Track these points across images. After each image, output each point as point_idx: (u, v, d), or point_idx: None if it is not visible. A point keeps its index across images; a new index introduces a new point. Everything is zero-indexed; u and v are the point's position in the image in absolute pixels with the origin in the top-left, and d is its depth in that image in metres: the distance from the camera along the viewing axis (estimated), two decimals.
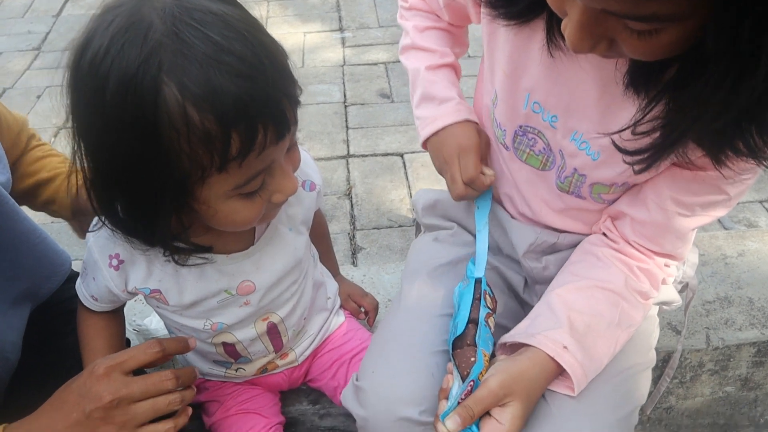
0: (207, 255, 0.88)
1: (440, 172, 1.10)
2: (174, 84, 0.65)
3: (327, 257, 1.29)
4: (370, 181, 2.12)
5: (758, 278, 1.60)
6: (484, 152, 1.08)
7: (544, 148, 0.99)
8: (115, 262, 0.88)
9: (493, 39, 0.97)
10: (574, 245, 1.08)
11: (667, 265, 1.02)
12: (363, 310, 1.31)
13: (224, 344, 1.04)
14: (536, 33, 0.89)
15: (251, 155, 0.70)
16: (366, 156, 2.24)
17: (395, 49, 2.97)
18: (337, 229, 1.93)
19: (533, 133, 0.98)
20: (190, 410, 0.89)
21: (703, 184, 0.88)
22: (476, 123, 1.09)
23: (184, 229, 0.79)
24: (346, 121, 2.45)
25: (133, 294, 0.94)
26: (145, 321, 1.24)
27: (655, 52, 0.65)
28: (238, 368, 1.12)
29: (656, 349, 1.42)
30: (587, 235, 1.08)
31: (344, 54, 2.98)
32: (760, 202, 1.89)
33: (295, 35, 3.10)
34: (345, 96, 2.63)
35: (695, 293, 1.21)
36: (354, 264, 1.83)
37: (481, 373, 0.90)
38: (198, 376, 0.99)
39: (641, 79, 0.78)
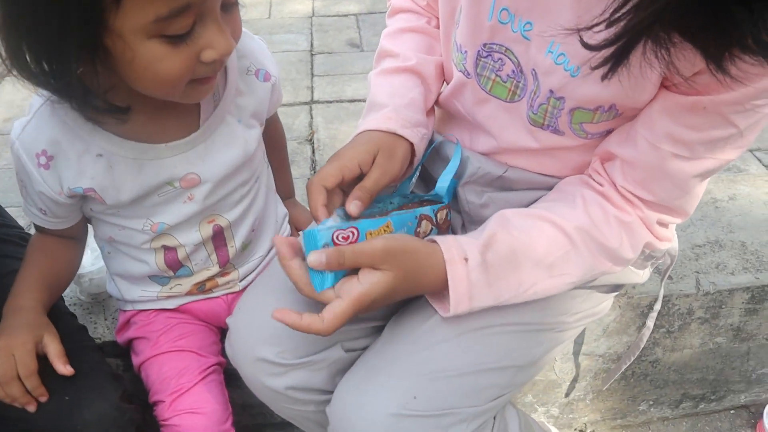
0: (143, 145, 0.83)
1: None
2: None
3: (281, 175, 1.19)
4: (335, 127, 1.96)
5: (750, 222, 1.47)
6: (376, 182, 0.84)
7: (513, 71, 0.83)
8: (43, 159, 0.82)
9: None
10: (527, 185, 0.93)
11: (661, 224, 0.86)
12: None
13: (165, 249, 0.95)
14: None
15: None
16: (331, 102, 2.08)
17: (367, 1, 2.81)
18: (297, 174, 1.78)
19: (500, 53, 0.83)
20: None
21: (705, 114, 0.72)
22: (406, 142, 0.90)
23: (96, 76, 0.70)
24: (312, 68, 2.29)
25: (73, 197, 0.86)
26: None
27: None
28: (174, 284, 1.01)
29: (641, 293, 1.29)
30: (549, 176, 0.92)
31: (313, 6, 2.82)
32: (751, 150, 1.77)
33: None
34: (312, 45, 2.47)
35: (674, 261, 1.05)
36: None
37: (370, 233, 0.79)
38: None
39: None
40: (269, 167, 1.09)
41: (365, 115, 0.95)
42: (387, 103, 0.93)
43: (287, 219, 1.18)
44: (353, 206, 0.79)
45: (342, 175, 0.82)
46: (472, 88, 0.90)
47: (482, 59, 0.85)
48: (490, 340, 0.86)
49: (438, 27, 1.02)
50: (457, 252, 0.79)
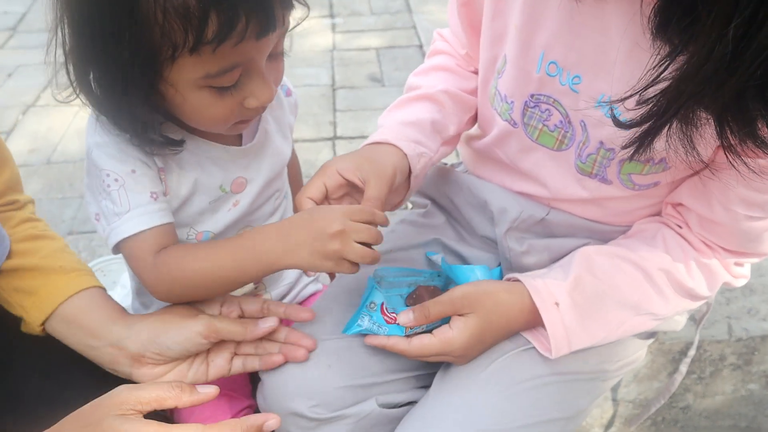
0: (207, 142, 0.85)
1: None
2: None
3: None
4: None
5: None
6: (377, 188, 0.82)
7: (561, 121, 0.83)
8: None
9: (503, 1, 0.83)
10: (569, 230, 0.93)
11: (737, 264, 0.87)
12: None
13: None
14: None
15: (227, 43, 0.67)
16: (354, 138, 2.10)
17: (387, 35, 2.85)
18: None
19: (547, 103, 0.83)
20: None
21: None
22: (401, 152, 0.88)
23: (154, 113, 0.77)
24: (334, 103, 2.31)
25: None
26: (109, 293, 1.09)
27: None
28: None
29: (672, 338, 1.28)
30: (592, 221, 0.92)
31: (334, 39, 2.85)
32: None
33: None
34: (333, 79, 2.49)
35: (710, 309, 1.06)
36: None
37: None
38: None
39: (673, 19, 0.60)
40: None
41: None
42: (386, 124, 0.94)
43: None
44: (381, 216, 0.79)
45: (324, 184, 0.82)
46: (518, 137, 0.90)
47: (529, 109, 0.86)
48: (539, 392, 0.86)
49: (472, 72, 1.04)
50: (547, 296, 0.83)
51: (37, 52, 3.19)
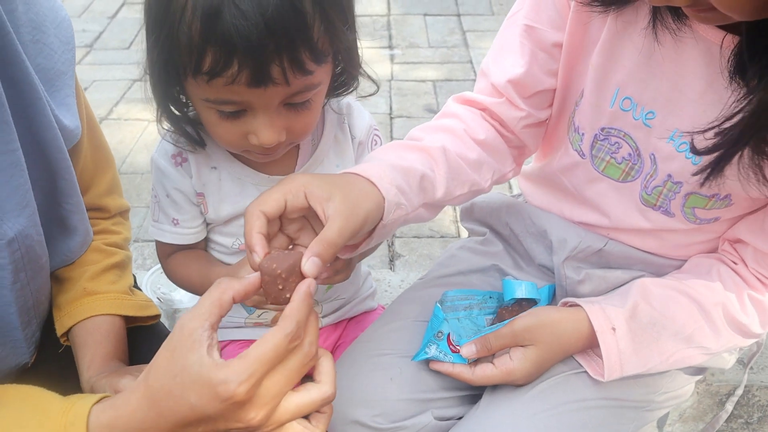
0: (250, 170, 0.93)
1: None
2: None
3: None
4: None
5: None
6: (340, 233, 0.68)
7: (630, 154, 0.88)
8: (179, 159, 0.93)
9: (584, 33, 0.87)
10: (625, 261, 0.97)
11: None
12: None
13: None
14: (638, 16, 0.80)
15: (219, 80, 0.73)
16: None
17: (444, 68, 2.93)
18: None
19: (617, 137, 0.88)
20: None
21: None
22: (380, 196, 0.75)
23: (183, 108, 0.87)
24: (391, 131, 2.39)
25: (198, 198, 0.96)
26: (172, 293, 1.17)
27: (744, 6, 0.55)
28: (261, 311, 1.07)
29: (720, 381, 1.29)
30: (649, 253, 0.96)
31: (392, 70, 2.94)
32: None
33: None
34: (391, 108, 2.58)
35: (760, 349, 1.08)
36: (392, 269, 1.74)
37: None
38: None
39: (749, 62, 0.66)
40: None
41: None
42: (375, 160, 0.83)
43: (371, 277, 1.23)
44: (310, 264, 0.65)
45: (284, 200, 0.69)
46: (585, 168, 0.94)
47: (599, 142, 0.90)
48: (585, 414, 0.89)
49: (480, 140, 0.96)
50: (604, 321, 0.87)
51: (111, 68, 3.38)
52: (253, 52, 0.71)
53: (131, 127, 2.57)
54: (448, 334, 0.92)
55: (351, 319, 1.17)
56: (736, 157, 0.71)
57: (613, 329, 0.86)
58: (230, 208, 0.95)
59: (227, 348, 1.13)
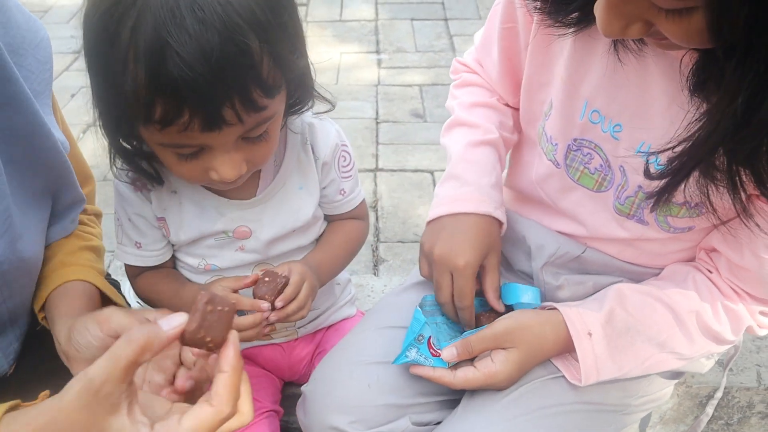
0: (210, 194, 0.93)
1: (425, 255, 0.97)
2: (130, 28, 0.68)
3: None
4: (398, 196, 2.05)
5: None
6: (493, 264, 0.96)
7: (601, 165, 0.89)
8: (138, 184, 0.94)
9: (550, 49, 0.89)
10: (603, 268, 0.98)
11: (763, 314, 0.91)
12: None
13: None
14: (600, 37, 0.81)
15: (172, 128, 0.72)
16: (395, 171, 2.18)
17: (431, 72, 2.94)
18: None
19: (589, 148, 0.89)
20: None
21: None
22: (500, 222, 0.98)
23: (136, 147, 0.85)
24: (377, 136, 2.40)
25: (159, 222, 0.96)
26: None
27: (692, 37, 0.57)
28: None
29: (700, 382, 1.30)
30: (626, 262, 0.97)
31: (379, 74, 2.95)
32: None
33: (331, 55, 3.09)
34: (377, 113, 2.59)
35: (738, 352, 1.09)
36: (375, 274, 1.75)
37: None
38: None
39: (708, 79, 0.67)
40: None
41: (448, 184, 1.00)
42: (478, 181, 0.99)
43: (351, 284, 1.23)
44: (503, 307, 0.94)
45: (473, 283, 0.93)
46: (560, 177, 0.95)
47: (572, 152, 0.91)
48: (562, 418, 0.90)
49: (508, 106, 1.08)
50: (581, 326, 0.88)
51: None
52: (203, 99, 0.70)
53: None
54: (429, 338, 0.93)
55: (329, 327, 1.18)
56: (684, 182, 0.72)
57: (590, 334, 0.87)
58: (191, 231, 0.96)
59: None
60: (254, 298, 0.89)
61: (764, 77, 0.54)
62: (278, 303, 0.88)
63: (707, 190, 0.70)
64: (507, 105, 1.08)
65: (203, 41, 0.68)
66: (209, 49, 0.68)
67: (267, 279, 0.89)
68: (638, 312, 0.89)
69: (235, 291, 0.92)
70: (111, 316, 0.73)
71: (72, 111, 2.69)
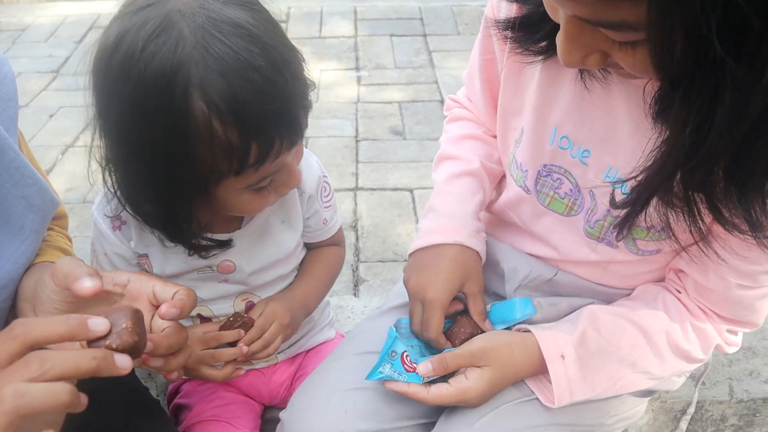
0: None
1: (406, 286, 1.02)
2: (201, 98, 0.70)
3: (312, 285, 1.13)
4: (378, 215, 2.06)
5: None
6: (473, 291, 1.00)
7: (571, 190, 0.91)
8: (117, 223, 0.94)
9: (521, 76, 0.92)
10: (575, 290, 1.01)
11: (731, 332, 0.93)
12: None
13: (200, 317, 1.04)
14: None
15: (267, 162, 0.77)
16: (375, 190, 2.19)
17: (410, 89, 2.97)
18: None
19: (559, 173, 0.92)
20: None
21: (756, 248, 0.75)
22: (474, 251, 1.01)
23: (202, 228, 0.88)
24: (357, 154, 2.42)
25: (140, 259, 0.97)
26: None
27: (646, 68, 0.59)
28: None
29: (674, 397, 1.32)
30: (597, 284, 0.99)
31: (359, 92, 2.97)
32: None
33: (310, 72, 3.10)
34: (357, 131, 2.60)
35: (708, 367, 1.12)
36: (356, 295, 1.76)
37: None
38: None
39: (667, 107, 0.69)
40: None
41: (427, 217, 1.05)
42: (454, 212, 1.03)
43: (329, 307, 1.25)
44: (488, 325, 0.98)
45: (442, 315, 0.97)
46: (531, 203, 0.98)
47: (542, 178, 0.94)
48: None
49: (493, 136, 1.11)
50: (554, 349, 0.90)
51: (78, 94, 3.32)
52: (284, 117, 0.76)
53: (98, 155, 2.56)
54: (402, 353, 0.94)
55: (309, 350, 1.19)
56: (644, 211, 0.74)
57: (562, 356, 0.89)
58: (176, 267, 0.97)
59: (184, 385, 1.14)
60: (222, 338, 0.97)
61: (708, 111, 0.56)
62: (241, 344, 0.96)
63: (667, 218, 0.72)
64: (494, 136, 1.10)
65: (261, 65, 0.72)
66: (272, 70, 0.73)
67: (231, 319, 0.99)
68: (610, 334, 0.91)
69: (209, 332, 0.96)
70: (60, 266, 0.71)
71: (50, 131, 2.68)
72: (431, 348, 1.01)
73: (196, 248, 0.90)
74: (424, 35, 3.49)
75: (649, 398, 1.10)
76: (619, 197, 0.79)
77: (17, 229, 0.79)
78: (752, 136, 0.58)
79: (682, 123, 0.59)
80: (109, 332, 0.61)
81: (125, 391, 0.97)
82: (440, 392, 0.90)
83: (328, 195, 1.06)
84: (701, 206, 0.68)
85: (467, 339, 0.94)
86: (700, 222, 0.70)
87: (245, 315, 0.99)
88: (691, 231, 0.72)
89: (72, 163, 2.49)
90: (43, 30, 3.65)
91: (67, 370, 0.55)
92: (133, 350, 0.62)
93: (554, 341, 0.91)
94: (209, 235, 0.91)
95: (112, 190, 0.85)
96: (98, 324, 0.60)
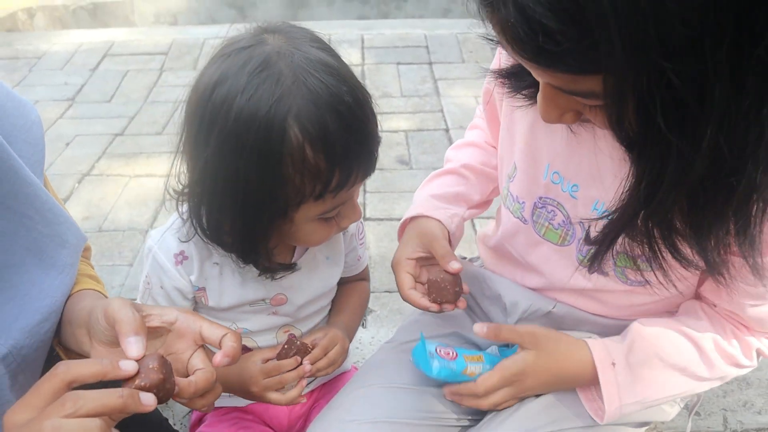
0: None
1: None
2: (297, 126, 0.79)
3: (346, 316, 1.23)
4: (385, 245, 2.12)
5: None
6: (438, 248, 1.04)
7: (563, 221, 0.98)
8: (180, 258, 0.99)
9: (514, 117, 1.00)
10: (573, 323, 1.07)
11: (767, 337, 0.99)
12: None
13: (243, 348, 1.08)
14: None
15: (344, 189, 0.85)
16: (382, 220, 2.25)
17: (416, 118, 3.04)
18: None
19: (552, 205, 0.99)
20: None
21: (750, 274, 0.82)
22: (436, 220, 1.09)
23: (270, 251, 0.95)
24: (364, 185, 2.47)
25: (197, 294, 1.02)
26: None
27: (614, 125, 0.68)
28: None
29: (669, 427, 1.37)
30: (594, 314, 1.05)
31: None
32: None
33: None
34: None
35: (701, 398, 1.18)
36: (363, 325, 1.82)
37: (465, 356, 1.00)
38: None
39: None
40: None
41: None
42: (418, 200, 1.15)
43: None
44: (455, 264, 1.00)
45: (409, 274, 1.04)
46: (527, 233, 1.04)
47: (538, 209, 1.01)
48: None
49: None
50: (605, 355, 0.95)
51: (93, 122, 3.43)
52: (365, 148, 0.85)
53: (113, 183, 2.63)
54: (436, 349, 1.00)
55: (326, 383, 1.25)
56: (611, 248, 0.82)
57: (613, 364, 0.94)
58: (232, 299, 1.03)
59: (207, 415, 1.19)
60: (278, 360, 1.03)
61: (659, 170, 0.66)
62: (305, 362, 1.03)
63: (633, 255, 0.81)
64: (494, 147, 1.19)
65: (348, 101, 0.82)
66: (356, 105, 0.83)
67: (286, 347, 1.04)
68: (658, 341, 0.96)
69: (266, 360, 1.03)
70: (111, 311, 0.75)
71: (66, 160, 2.75)
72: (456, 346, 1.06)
73: (266, 270, 0.97)
74: (430, 63, 3.57)
75: (644, 429, 1.15)
76: (594, 234, 0.86)
77: (50, 265, 0.85)
78: (699, 191, 0.67)
79: (638, 178, 0.69)
80: (138, 373, 0.69)
81: (143, 422, 1.02)
82: (484, 377, 0.96)
83: (362, 233, 1.18)
84: (660, 244, 0.76)
85: (444, 286, 1.00)
86: (661, 259, 0.78)
87: (298, 341, 1.04)
88: (654, 272, 0.80)
89: (88, 192, 2.56)
90: (58, 58, 3.73)
91: (97, 408, 0.64)
92: (160, 390, 0.70)
93: (605, 348, 0.96)
94: (275, 260, 0.98)
95: (193, 221, 0.92)
96: (128, 365, 0.69)
